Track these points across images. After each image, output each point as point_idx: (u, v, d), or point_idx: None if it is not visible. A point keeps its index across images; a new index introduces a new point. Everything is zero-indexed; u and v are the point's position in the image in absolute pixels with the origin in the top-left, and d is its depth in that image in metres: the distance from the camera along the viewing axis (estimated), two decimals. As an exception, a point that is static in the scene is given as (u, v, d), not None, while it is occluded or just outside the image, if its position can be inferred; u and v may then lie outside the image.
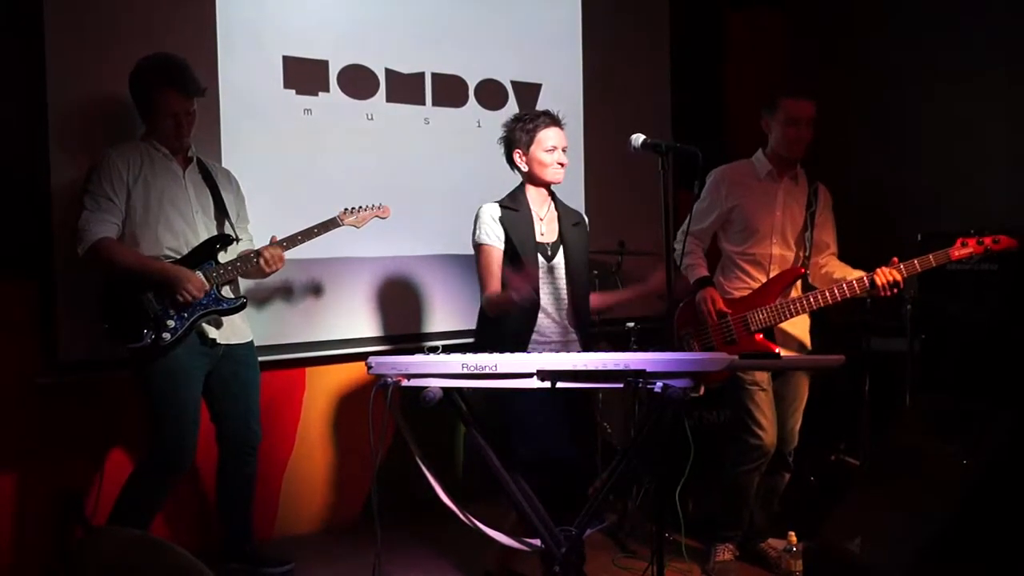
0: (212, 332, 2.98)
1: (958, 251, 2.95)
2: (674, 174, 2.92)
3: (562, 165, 2.87)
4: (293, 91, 3.57)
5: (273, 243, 3.05)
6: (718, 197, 3.15)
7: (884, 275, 2.92)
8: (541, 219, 2.91)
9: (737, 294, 3.13)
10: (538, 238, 2.87)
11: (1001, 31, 4.03)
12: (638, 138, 2.49)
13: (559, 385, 2.15)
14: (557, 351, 2.81)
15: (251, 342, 3.16)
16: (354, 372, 3.81)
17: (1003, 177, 4.03)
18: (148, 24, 3.25)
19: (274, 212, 3.48)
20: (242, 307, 3.03)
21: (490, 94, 4.06)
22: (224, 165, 3.40)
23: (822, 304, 2.99)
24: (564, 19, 4.31)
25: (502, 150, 2.95)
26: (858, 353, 3.72)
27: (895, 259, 2.97)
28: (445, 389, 2.22)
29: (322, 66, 3.63)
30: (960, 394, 3.37)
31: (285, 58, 3.55)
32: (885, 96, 4.54)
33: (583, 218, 3.04)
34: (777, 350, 3.02)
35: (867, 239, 3.12)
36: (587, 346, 2.92)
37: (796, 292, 3.13)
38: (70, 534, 3.14)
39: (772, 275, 3.12)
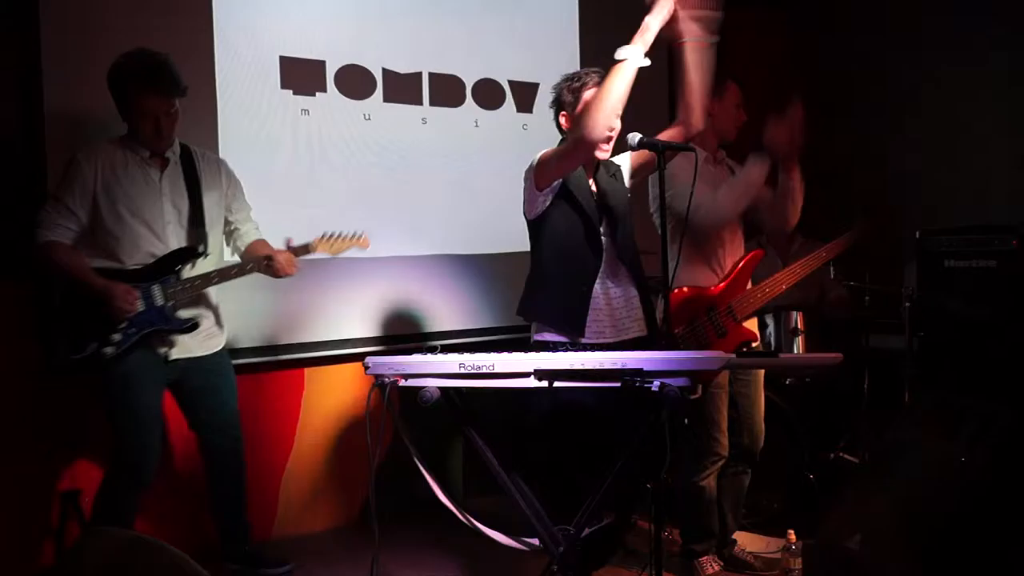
0: (162, 348, 2.90)
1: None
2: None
3: (611, 130, 2.56)
4: (290, 91, 3.57)
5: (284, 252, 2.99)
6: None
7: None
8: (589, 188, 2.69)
9: (701, 277, 3.09)
10: (592, 202, 2.66)
11: (1001, 31, 4.04)
12: (634, 137, 2.48)
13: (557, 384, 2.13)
14: (619, 319, 2.68)
15: (220, 351, 3.07)
16: (353, 372, 3.80)
17: (1003, 176, 4.04)
18: (145, 25, 3.24)
19: (272, 212, 3.48)
20: (191, 329, 2.90)
21: (487, 94, 4.06)
22: (221, 165, 3.40)
23: (797, 278, 3.08)
24: (561, 18, 4.31)
25: (552, 115, 2.73)
26: (857, 351, 3.72)
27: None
28: (442, 389, 2.21)
29: (319, 66, 3.63)
30: (959, 391, 3.37)
31: (282, 58, 3.54)
32: (885, 95, 4.54)
33: (617, 166, 2.79)
34: (758, 339, 3.06)
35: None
36: (651, 325, 2.73)
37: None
38: (70, 534, 3.14)
39: (724, 256, 3.12)
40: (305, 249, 3.02)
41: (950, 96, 4.24)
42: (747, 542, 3.33)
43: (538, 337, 2.69)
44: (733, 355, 2.13)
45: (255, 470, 3.58)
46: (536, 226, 2.69)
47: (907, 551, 2.56)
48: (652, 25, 2.42)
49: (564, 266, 2.65)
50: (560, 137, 2.73)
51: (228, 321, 3.15)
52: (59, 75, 3.11)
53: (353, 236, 3.11)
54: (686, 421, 2.92)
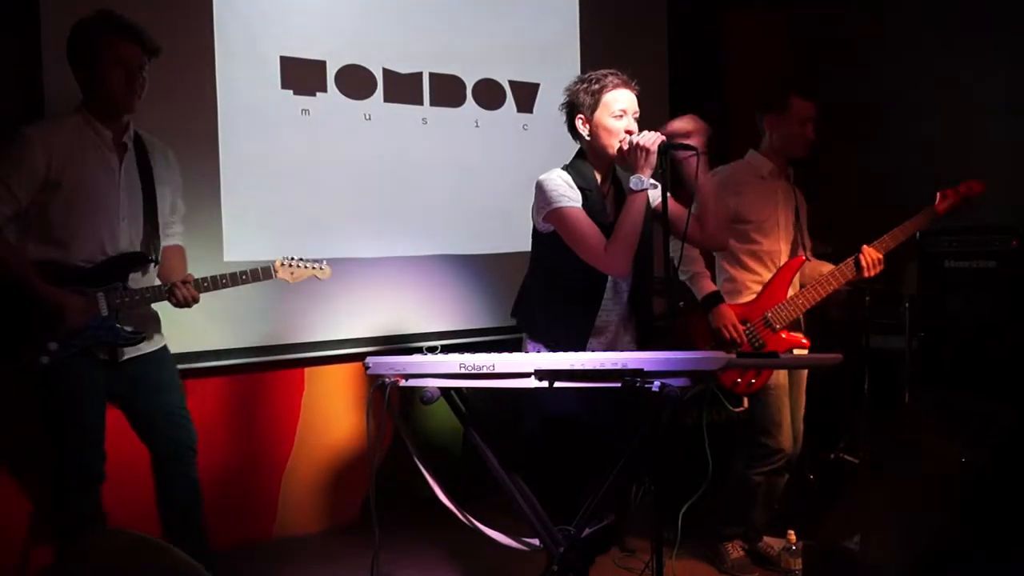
0: (105, 354, 2.64)
1: (941, 204, 3.07)
2: (674, 173, 2.89)
3: (630, 134, 2.49)
4: (291, 91, 3.57)
5: (189, 281, 2.68)
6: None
7: (867, 255, 3.02)
8: (604, 196, 2.58)
9: (745, 291, 3.12)
10: (607, 221, 2.53)
11: (1001, 31, 4.04)
12: (635, 139, 2.48)
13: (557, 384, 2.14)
14: (611, 345, 2.62)
15: (163, 347, 2.81)
16: (353, 372, 3.81)
17: (1003, 176, 4.03)
18: (145, 24, 3.24)
19: (271, 213, 3.49)
20: (137, 342, 2.67)
21: (488, 94, 4.06)
22: (221, 166, 3.39)
23: (830, 291, 3.06)
24: (562, 19, 4.31)
25: (563, 117, 2.62)
26: (857, 351, 3.72)
27: (865, 247, 3.06)
28: (443, 389, 2.21)
29: (320, 66, 3.63)
30: (959, 391, 3.37)
31: (282, 58, 3.54)
32: (885, 96, 4.54)
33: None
34: (806, 342, 3.07)
35: (867, 237, 3.12)
36: (644, 341, 2.66)
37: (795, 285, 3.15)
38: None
39: (776, 263, 3.14)
40: (214, 284, 2.72)
41: (950, 97, 4.24)
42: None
43: (532, 349, 2.62)
44: (733, 355, 2.12)
45: (255, 470, 3.59)
46: (544, 238, 2.59)
47: (907, 551, 2.56)
48: (652, 149, 2.41)
49: (570, 288, 2.57)
50: (573, 143, 2.64)
51: (228, 321, 3.14)
52: (60, 74, 3.09)
53: (314, 266, 2.90)
54: (739, 410, 2.95)
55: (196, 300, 2.70)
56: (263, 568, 3.35)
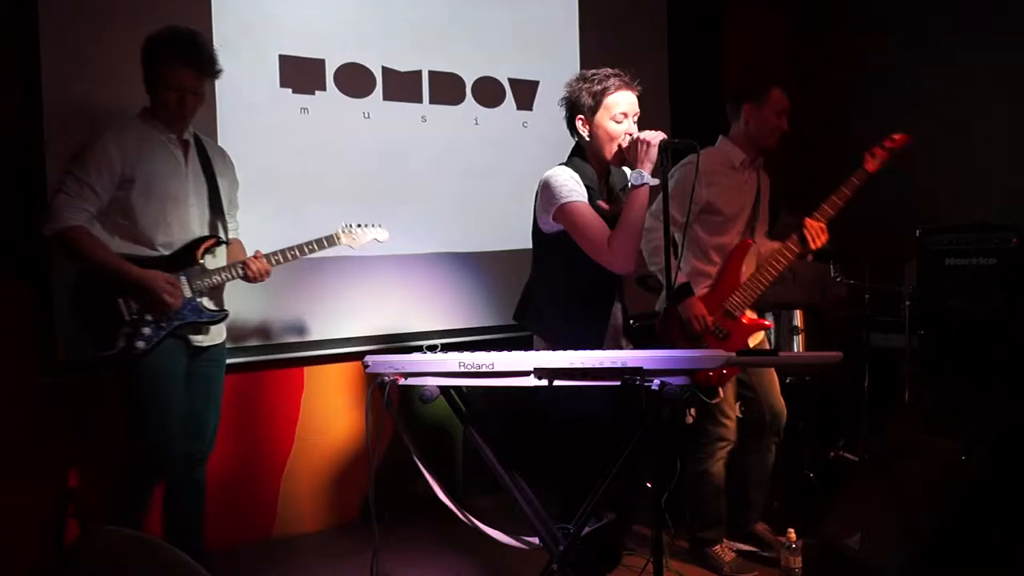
0: (195, 339, 2.82)
1: (871, 163, 3.04)
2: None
3: (630, 136, 2.49)
4: (290, 90, 3.56)
5: (259, 256, 2.89)
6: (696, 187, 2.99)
7: (810, 226, 2.97)
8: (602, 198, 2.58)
9: (704, 283, 3.09)
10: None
11: (1001, 29, 4.03)
12: (637, 134, 2.48)
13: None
14: (615, 343, 2.64)
15: (224, 341, 2.98)
16: (353, 371, 3.80)
17: (1001, 174, 4.03)
18: (143, 23, 3.23)
19: (270, 212, 3.48)
20: (222, 319, 2.87)
21: (487, 91, 4.06)
22: (220, 164, 3.38)
23: (782, 267, 3.01)
24: (561, 16, 4.30)
25: (563, 113, 2.61)
26: (857, 349, 3.71)
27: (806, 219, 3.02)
28: (442, 387, 2.20)
29: (318, 65, 3.62)
30: (960, 389, 3.36)
31: (281, 57, 3.53)
32: (884, 93, 4.53)
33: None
34: (768, 323, 3.08)
35: (866, 235, 3.12)
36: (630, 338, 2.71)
37: (750, 265, 3.12)
38: (68, 534, 3.13)
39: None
40: (284, 256, 2.92)
41: (950, 94, 4.24)
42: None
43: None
44: (733, 354, 2.12)
45: (255, 469, 3.59)
46: (551, 240, 2.56)
47: (908, 549, 2.56)
48: (653, 143, 2.41)
49: (585, 290, 2.56)
50: (572, 140, 2.63)
51: (228, 321, 3.13)
52: (57, 74, 3.10)
53: (372, 227, 3.13)
54: (716, 400, 2.94)
55: (268, 273, 2.89)
56: (263, 568, 3.35)
